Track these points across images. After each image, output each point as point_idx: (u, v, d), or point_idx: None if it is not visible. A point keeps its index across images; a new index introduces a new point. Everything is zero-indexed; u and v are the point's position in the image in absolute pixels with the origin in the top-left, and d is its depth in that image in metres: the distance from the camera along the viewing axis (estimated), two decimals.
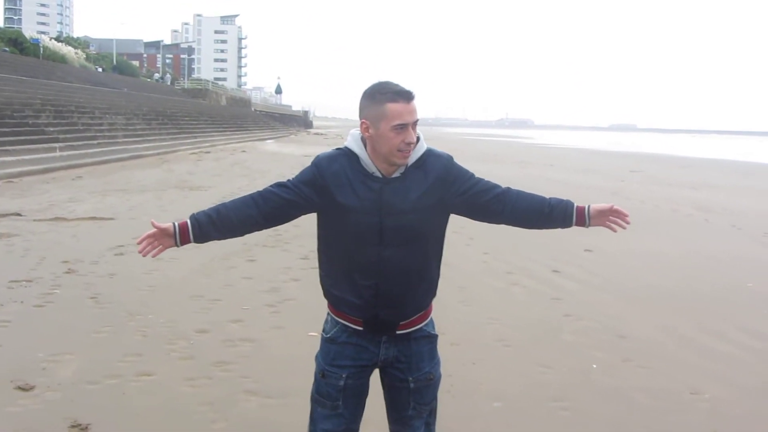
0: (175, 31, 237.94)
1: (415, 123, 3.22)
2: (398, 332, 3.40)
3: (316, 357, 3.51)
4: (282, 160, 36.51)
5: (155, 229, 3.29)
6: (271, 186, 3.39)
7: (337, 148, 3.39)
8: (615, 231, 3.54)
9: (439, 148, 3.47)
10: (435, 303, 3.59)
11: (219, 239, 3.42)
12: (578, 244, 12.47)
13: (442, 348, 3.71)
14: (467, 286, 9.52)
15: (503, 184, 3.52)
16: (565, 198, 3.51)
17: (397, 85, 3.23)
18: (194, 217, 3.33)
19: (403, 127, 3.17)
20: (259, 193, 3.37)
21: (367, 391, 3.52)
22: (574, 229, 3.58)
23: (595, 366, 6.69)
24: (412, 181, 3.28)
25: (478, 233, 12.49)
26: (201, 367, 6.27)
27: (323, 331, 3.52)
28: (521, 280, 10.19)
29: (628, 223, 3.48)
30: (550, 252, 12.02)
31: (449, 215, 3.46)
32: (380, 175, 3.27)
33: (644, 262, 11.82)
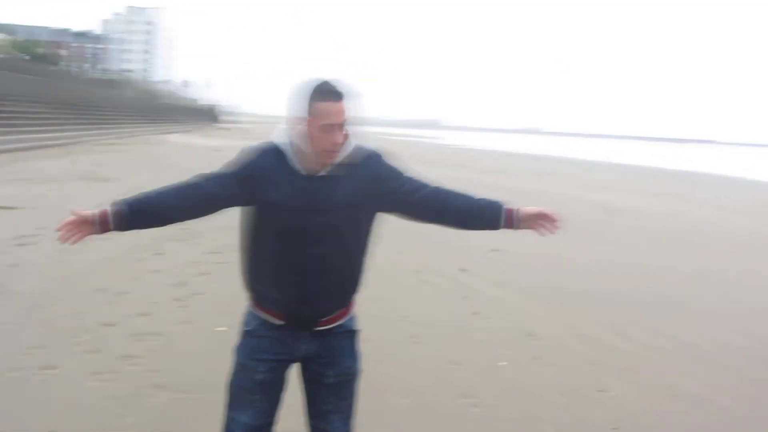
0: (98, 19, 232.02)
1: (344, 123, 3.17)
2: (320, 328, 3.38)
3: (235, 349, 3.46)
4: (189, 153, 36.12)
5: (75, 216, 3.23)
6: (196, 177, 3.32)
7: (265, 143, 3.32)
8: (544, 235, 3.46)
9: None
10: None
11: (140, 228, 3.35)
12: (485, 244, 12.58)
13: None
14: (377, 283, 9.43)
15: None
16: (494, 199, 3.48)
17: (327, 84, 3.16)
18: (116, 206, 3.24)
19: (331, 127, 3.12)
20: (185, 183, 3.30)
21: (285, 386, 3.48)
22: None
23: (504, 363, 6.79)
24: (340, 179, 3.23)
25: (387, 231, 12.42)
26: (108, 360, 6.15)
27: (243, 323, 3.47)
28: (430, 278, 10.27)
29: (557, 228, 3.41)
30: (458, 251, 12.13)
31: (378, 213, 3.42)
32: (307, 173, 3.22)
33: (550, 263, 12.03)
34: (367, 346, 6.70)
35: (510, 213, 3.39)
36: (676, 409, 6.01)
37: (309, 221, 3.20)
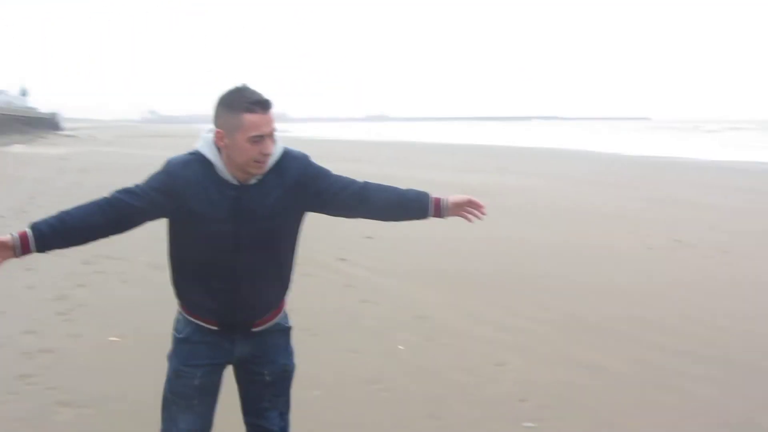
0: None
1: (273, 132, 3.16)
2: (253, 329, 3.40)
3: (169, 356, 3.42)
4: (36, 163, 34.62)
5: None
6: (117, 192, 3.21)
7: (190, 153, 3.25)
8: (471, 221, 3.57)
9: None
10: None
11: (63, 248, 3.23)
12: (358, 232, 12.65)
13: None
14: None
15: None
16: (421, 189, 3.54)
17: (254, 93, 3.13)
18: (35, 227, 3.11)
19: (260, 139, 3.10)
20: (106, 199, 3.19)
21: (220, 387, 3.49)
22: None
23: (401, 347, 6.93)
24: (269, 186, 3.22)
25: None
26: (3, 382, 5.92)
27: (175, 330, 3.43)
28: (310, 269, 10.24)
29: (484, 214, 3.52)
30: (332, 240, 12.14)
31: (306, 213, 3.45)
32: (236, 183, 3.19)
33: (423, 246, 12.21)
34: None
35: (438, 202, 3.48)
36: (576, 376, 6.28)
37: (241, 230, 3.20)
